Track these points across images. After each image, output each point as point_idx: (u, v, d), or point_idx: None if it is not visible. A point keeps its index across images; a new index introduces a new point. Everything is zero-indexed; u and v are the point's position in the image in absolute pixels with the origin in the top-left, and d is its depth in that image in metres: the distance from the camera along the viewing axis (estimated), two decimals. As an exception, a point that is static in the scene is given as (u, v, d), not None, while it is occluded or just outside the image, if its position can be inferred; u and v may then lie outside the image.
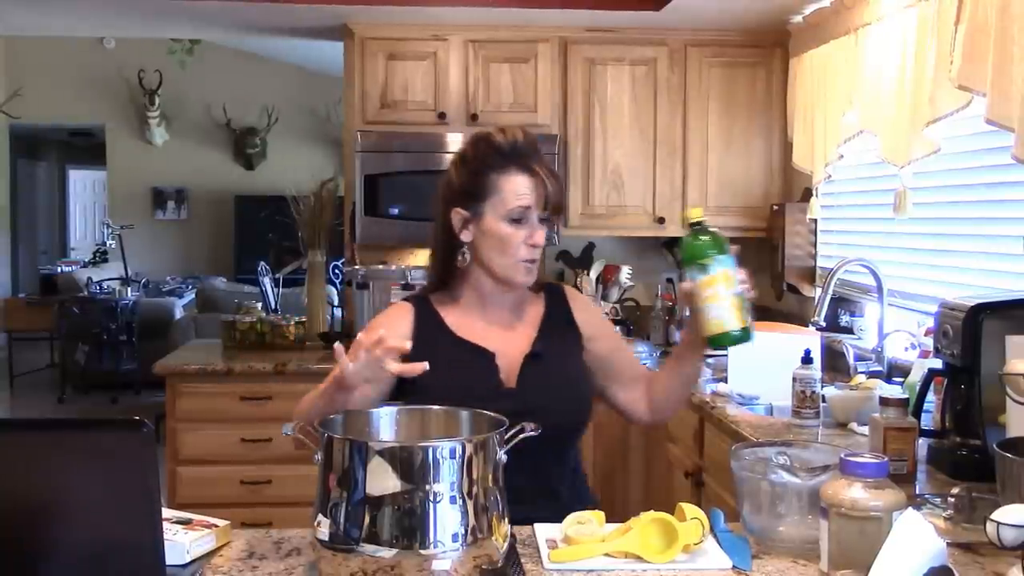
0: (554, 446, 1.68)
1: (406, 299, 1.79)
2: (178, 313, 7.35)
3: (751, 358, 2.84)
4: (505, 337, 1.72)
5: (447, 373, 1.63)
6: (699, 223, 1.61)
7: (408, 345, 1.48)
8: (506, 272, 1.69)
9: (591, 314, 1.83)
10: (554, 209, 1.69)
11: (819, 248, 3.60)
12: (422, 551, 1.22)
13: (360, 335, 1.49)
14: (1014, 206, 2.33)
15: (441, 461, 1.25)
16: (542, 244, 1.68)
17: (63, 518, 1.17)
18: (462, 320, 1.73)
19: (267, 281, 4.35)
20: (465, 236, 1.70)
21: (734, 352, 2.92)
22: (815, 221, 3.55)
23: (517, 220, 1.66)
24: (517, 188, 1.65)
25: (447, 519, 1.24)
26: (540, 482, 1.64)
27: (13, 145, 10.18)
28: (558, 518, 1.47)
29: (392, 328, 1.63)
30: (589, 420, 1.78)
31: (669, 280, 3.96)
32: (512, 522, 1.36)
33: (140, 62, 9.07)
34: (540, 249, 1.69)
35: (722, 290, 1.56)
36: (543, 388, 1.68)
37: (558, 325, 1.76)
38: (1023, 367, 1.59)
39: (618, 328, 3.55)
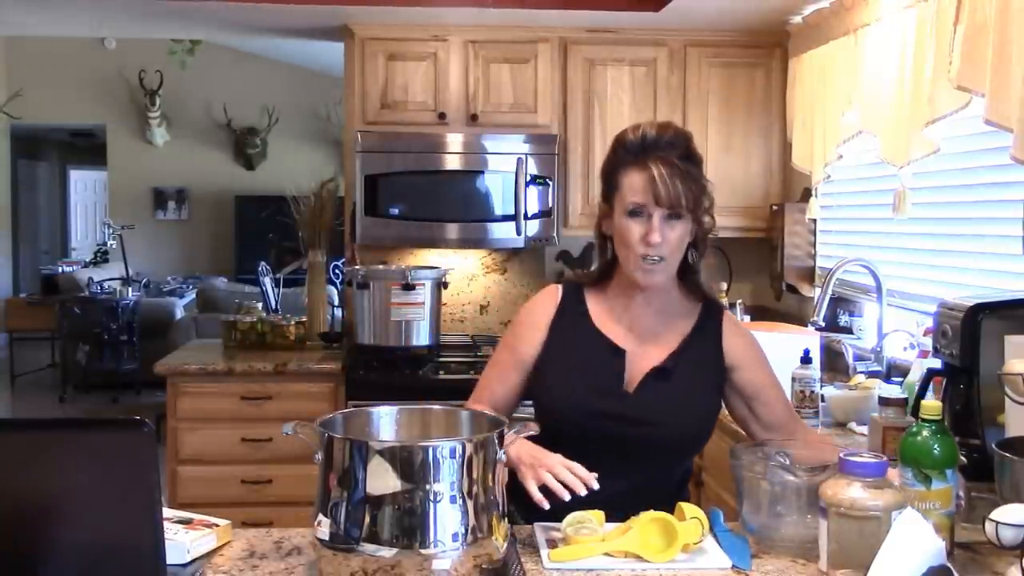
0: (660, 458, 1.70)
1: (561, 282, 1.83)
2: (179, 313, 7.36)
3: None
4: (644, 341, 1.71)
5: (576, 361, 1.68)
6: (935, 423, 1.41)
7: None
8: (628, 268, 1.68)
9: (743, 343, 1.76)
10: (683, 207, 1.60)
11: (818, 248, 3.60)
12: (422, 551, 1.23)
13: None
14: (1013, 206, 2.33)
15: (441, 461, 1.25)
16: (657, 242, 1.60)
17: (64, 518, 1.17)
18: (607, 314, 1.73)
19: (267, 281, 4.35)
20: (606, 229, 1.71)
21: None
22: (814, 221, 3.55)
23: (636, 215, 1.63)
24: (633, 184, 1.63)
25: (447, 519, 1.24)
26: (639, 489, 1.62)
27: (14, 145, 10.18)
28: None
29: (533, 315, 1.75)
30: (703, 441, 1.77)
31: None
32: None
33: (141, 62, 9.08)
34: (661, 248, 1.61)
35: (938, 507, 1.39)
36: (660, 402, 1.67)
37: (702, 344, 1.72)
38: (1022, 367, 1.59)
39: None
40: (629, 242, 1.64)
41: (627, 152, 1.65)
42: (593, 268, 1.82)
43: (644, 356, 1.70)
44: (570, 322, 1.73)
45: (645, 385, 1.68)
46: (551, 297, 1.77)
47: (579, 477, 1.48)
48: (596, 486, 1.48)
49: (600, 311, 1.74)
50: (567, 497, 1.47)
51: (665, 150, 1.63)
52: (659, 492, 1.63)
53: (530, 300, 1.82)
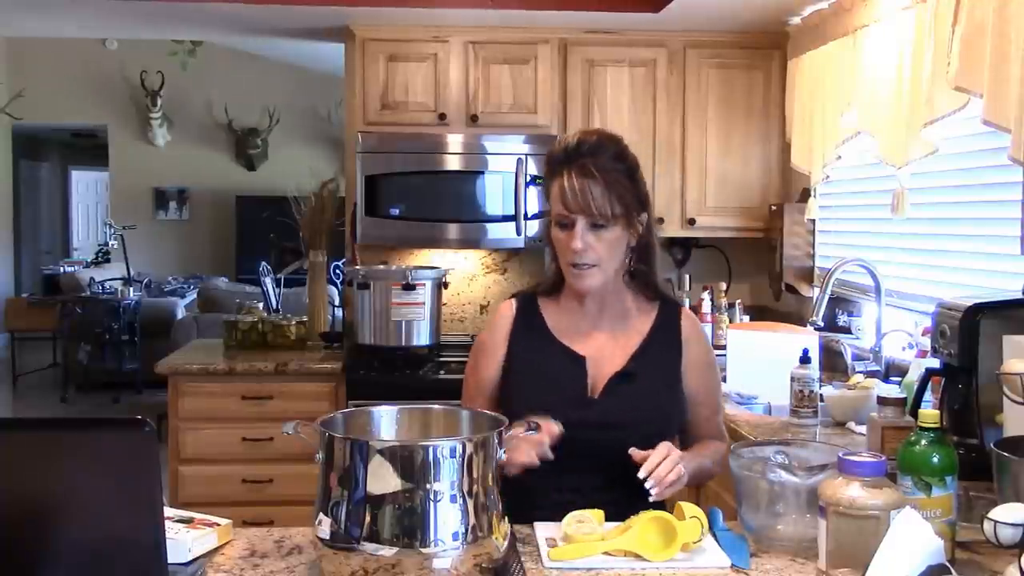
0: (629, 460, 1.66)
1: (515, 295, 1.82)
2: (180, 313, 7.37)
3: (750, 358, 2.86)
4: (604, 345, 1.71)
5: (539, 373, 1.68)
6: (934, 431, 1.40)
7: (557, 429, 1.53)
8: (565, 275, 1.70)
9: (698, 345, 1.77)
10: (597, 214, 1.62)
11: (817, 248, 3.61)
12: (423, 549, 1.23)
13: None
14: (1011, 206, 2.34)
15: (441, 460, 1.26)
16: (578, 249, 1.63)
17: (66, 517, 1.17)
18: (564, 321, 1.73)
19: (268, 281, 4.35)
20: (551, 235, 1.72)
21: (732, 351, 2.94)
22: (813, 221, 3.56)
23: (562, 225, 1.65)
24: (555, 193, 1.65)
25: (447, 518, 1.25)
26: (610, 489, 1.62)
27: (16, 146, 10.19)
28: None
29: (492, 335, 1.74)
30: (671, 439, 1.74)
31: (668, 280, 3.96)
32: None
33: (142, 63, 9.09)
34: (588, 254, 1.63)
35: (939, 514, 1.39)
36: (625, 405, 1.66)
37: (663, 342, 1.73)
38: (1020, 367, 1.59)
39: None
40: (558, 250, 1.68)
41: (554, 162, 1.67)
42: (546, 276, 1.82)
43: (605, 360, 1.70)
44: (528, 335, 1.73)
45: (610, 390, 1.68)
46: (505, 316, 1.77)
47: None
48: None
49: (557, 320, 1.74)
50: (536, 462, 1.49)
51: (586, 157, 1.63)
52: (629, 496, 1.58)
53: (488, 318, 1.81)
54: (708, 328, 3.65)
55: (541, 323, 1.74)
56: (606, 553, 1.41)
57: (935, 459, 1.39)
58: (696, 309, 3.66)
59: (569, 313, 1.74)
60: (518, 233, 3.64)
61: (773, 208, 3.73)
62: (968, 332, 1.84)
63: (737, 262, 4.04)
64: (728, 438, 1.82)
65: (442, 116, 3.70)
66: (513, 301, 1.79)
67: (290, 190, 4.02)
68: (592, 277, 1.66)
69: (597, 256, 1.64)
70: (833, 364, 3.03)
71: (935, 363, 1.99)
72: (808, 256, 3.62)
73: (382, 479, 1.24)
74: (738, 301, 3.83)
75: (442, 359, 3.57)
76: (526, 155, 3.64)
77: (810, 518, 1.40)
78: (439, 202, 3.67)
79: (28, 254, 11.06)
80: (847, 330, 3.23)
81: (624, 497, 1.57)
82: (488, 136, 3.67)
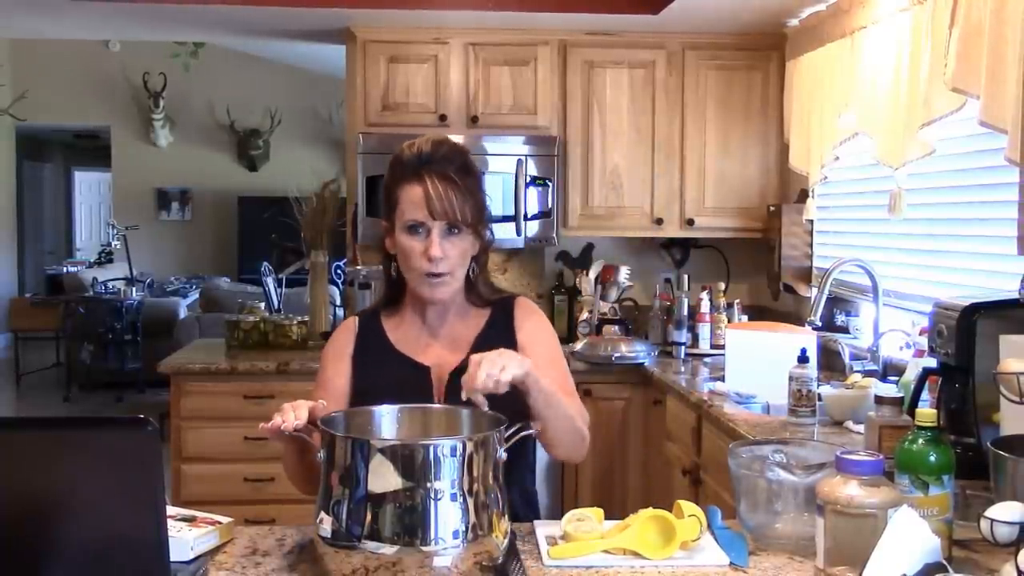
0: None
1: (358, 313, 1.81)
2: (182, 313, 7.38)
3: (748, 357, 2.87)
4: (443, 353, 1.71)
5: (384, 386, 1.64)
6: (931, 430, 1.41)
7: (321, 404, 1.46)
8: (413, 285, 1.68)
9: (534, 329, 1.75)
10: (459, 221, 1.62)
11: (815, 248, 3.62)
12: (423, 548, 1.24)
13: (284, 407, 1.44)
14: (1007, 207, 2.34)
15: (442, 459, 1.27)
16: (437, 256, 1.61)
17: (69, 515, 1.18)
18: (405, 334, 1.73)
19: (270, 281, 4.36)
20: (390, 248, 1.71)
21: (731, 351, 2.95)
22: (811, 222, 3.57)
23: (415, 232, 1.63)
24: (410, 199, 1.62)
25: (448, 516, 1.26)
26: None
27: (19, 147, 10.21)
28: None
29: (334, 347, 1.73)
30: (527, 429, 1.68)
31: (667, 280, 3.98)
32: None
33: (145, 64, 9.11)
34: (444, 262, 1.62)
35: (936, 513, 1.39)
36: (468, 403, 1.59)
37: (497, 337, 1.71)
38: (1017, 366, 1.60)
39: (616, 328, 3.57)
40: (411, 259, 1.64)
41: (404, 168, 1.65)
42: (382, 292, 1.80)
43: (446, 364, 1.69)
44: (372, 353, 1.72)
45: (450, 390, 1.66)
46: (348, 331, 1.76)
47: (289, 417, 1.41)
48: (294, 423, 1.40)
49: (399, 334, 1.73)
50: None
51: (441, 164, 1.63)
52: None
53: (332, 335, 1.79)
54: (707, 328, 3.67)
55: (383, 339, 1.73)
56: (605, 551, 1.42)
57: (932, 458, 1.39)
58: (695, 309, 3.67)
59: (410, 327, 1.73)
60: (518, 234, 3.65)
61: (771, 209, 3.74)
62: (965, 332, 1.85)
63: (735, 262, 4.05)
64: (588, 415, 1.74)
65: (442, 117, 3.72)
66: (356, 319, 1.77)
67: (291, 191, 4.03)
68: (447, 286, 1.66)
69: (450, 264, 1.64)
70: (831, 364, 3.04)
71: (932, 363, 2.00)
72: (806, 256, 3.63)
73: (383, 478, 1.25)
74: (736, 301, 3.84)
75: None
76: (526, 156, 3.65)
77: (808, 516, 1.41)
78: (440, 203, 3.67)
79: (31, 254, 11.08)
80: (845, 330, 3.24)
81: None
82: (488, 137, 3.68)
